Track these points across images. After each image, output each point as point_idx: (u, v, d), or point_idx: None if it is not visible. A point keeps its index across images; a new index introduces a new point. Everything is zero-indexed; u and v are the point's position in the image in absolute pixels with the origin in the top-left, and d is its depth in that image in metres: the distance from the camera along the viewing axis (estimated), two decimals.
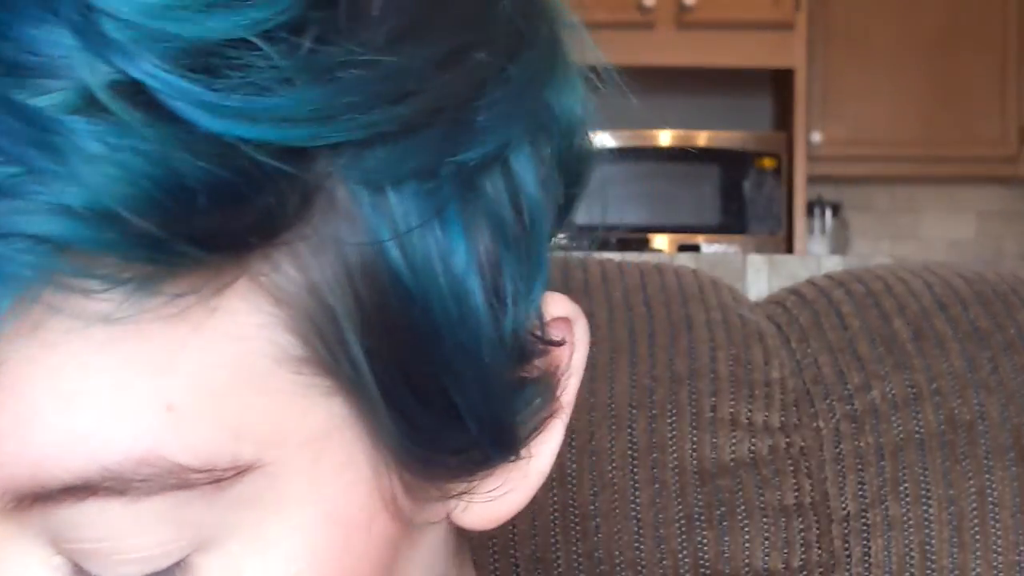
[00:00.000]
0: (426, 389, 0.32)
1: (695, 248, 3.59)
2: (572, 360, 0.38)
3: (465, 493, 0.36)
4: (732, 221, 3.70)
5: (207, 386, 0.29)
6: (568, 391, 0.38)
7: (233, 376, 0.29)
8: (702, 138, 3.72)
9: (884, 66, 3.70)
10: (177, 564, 0.30)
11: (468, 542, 0.42)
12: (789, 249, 3.68)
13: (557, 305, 0.37)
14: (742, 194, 3.69)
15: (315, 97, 0.27)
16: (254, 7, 0.27)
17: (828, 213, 3.91)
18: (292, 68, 0.27)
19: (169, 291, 0.27)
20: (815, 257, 2.27)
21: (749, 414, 0.67)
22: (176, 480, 0.29)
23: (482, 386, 0.33)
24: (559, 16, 0.35)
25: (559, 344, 0.37)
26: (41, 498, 0.29)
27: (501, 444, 0.35)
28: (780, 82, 3.76)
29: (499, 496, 0.37)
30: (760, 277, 2.00)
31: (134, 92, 0.26)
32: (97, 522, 0.29)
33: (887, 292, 0.70)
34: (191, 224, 0.26)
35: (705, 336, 0.68)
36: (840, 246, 3.89)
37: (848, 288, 0.71)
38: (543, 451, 0.38)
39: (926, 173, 3.82)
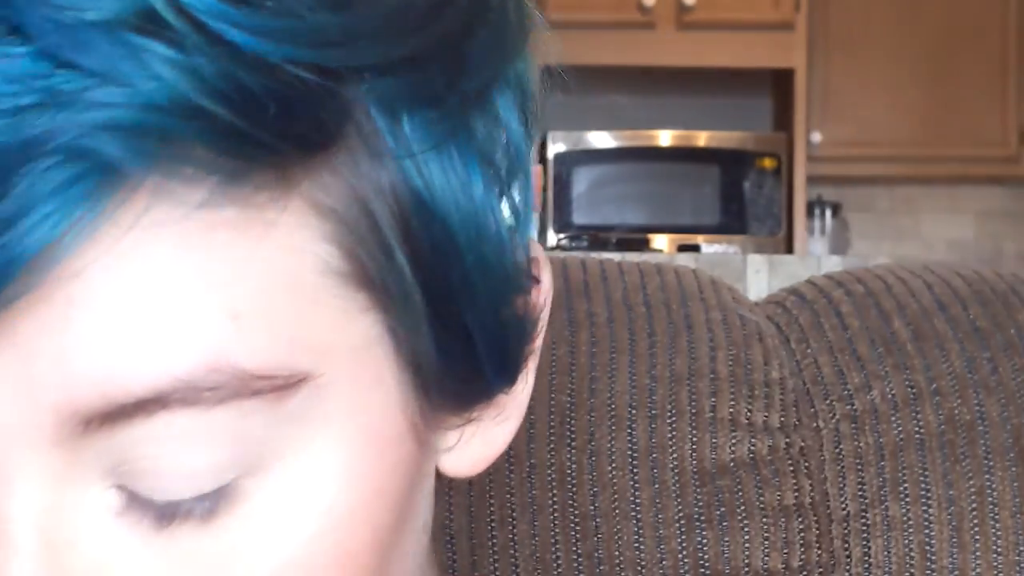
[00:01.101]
0: (443, 312, 0.34)
1: (695, 248, 3.58)
2: (544, 302, 0.39)
3: (468, 424, 0.37)
4: (732, 221, 3.70)
5: (267, 297, 0.30)
6: (541, 335, 0.39)
7: (288, 288, 0.30)
8: (702, 138, 3.72)
9: (884, 66, 3.70)
10: (222, 488, 0.31)
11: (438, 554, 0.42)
12: (789, 249, 3.68)
13: (533, 246, 0.38)
14: (742, 194, 3.69)
15: (341, 22, 0.29)
16: None
17: (828, 213, 3.91)
18: None
19: (245, 190, 0.29)
20: (815, 257, 2.27)
21: (749, 414, 0.67)
22: (242, 389, 0.30)
23: (493, 309, 0.35)
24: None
25: (538, 281, 0.38)
26: (110, 418, 0.29)
27: (504, 370, 0.37)
28: (780, 82, 3.76)
29: (494, 428, 0.38)
30: (760, 277, 2.00)
31: (183, 13, 0.27)
32: (160, 439, 0.29)
33: (887, 292, 0.70)
34: (263, 123, 0.28)
35: (705, 336, 0.68)
36: (840, 246, 3.89)
37: (848, 288, 0.71)
38: (523, 392, 0.39)
39: (926, 173, 3.82)
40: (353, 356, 0.32)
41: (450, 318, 0.34)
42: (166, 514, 0.31)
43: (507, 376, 0.37)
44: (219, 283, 0.29)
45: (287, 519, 0.32)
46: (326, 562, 0.32)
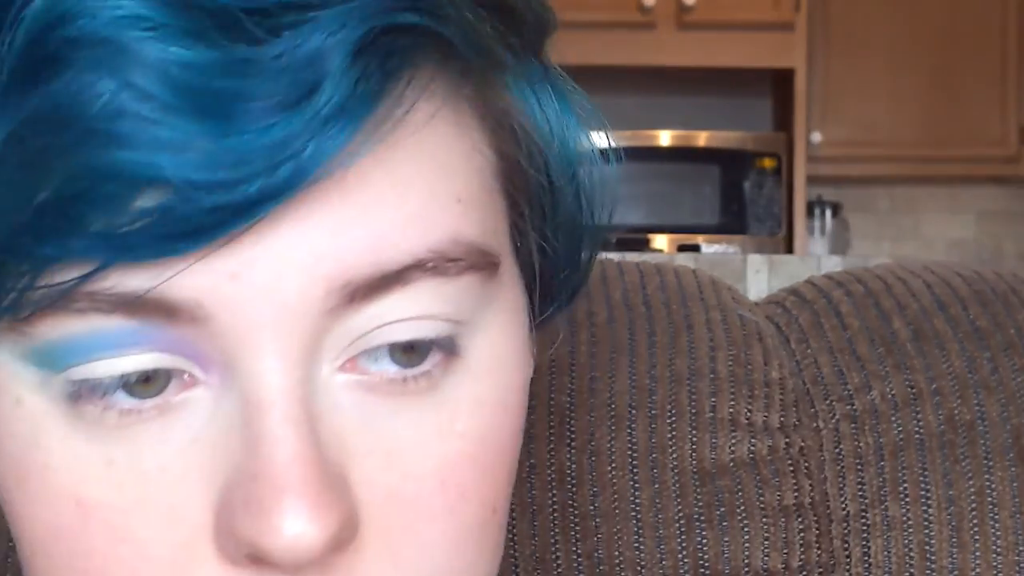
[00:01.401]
0: (541, 224, 0.40)
1: (695, 248, 3.58)
2: None
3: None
4: (732, 221, 3.70)
5: (472, 187, 0.35)
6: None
7: (480, 182, 0.36)
8: (702, 138, 3.72)
9: (884, 66, 3.69)
10: (447, 350, 0.35)
11: None
12: (789, 249, 3.68)
13: None
14: (742, 194, 3.69)
15: None
16: None
17: (828, 213, 3.91)
18: None
19: (463, 92, 0.35)
20: (815, 257, 2.27)
21: (749, 414, 0.67)
22: (474, 262, 0.35)
23: (573, 230, 0.41)
24: None
25: None
26: (373, 288, 0.33)
27: (569, 291, 0.43)
28: (780, 82, 3.76)
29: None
30: (760, 277, 2.00)
31: None
32: (407, 308, 0.34)
33: (887, 292, 0.70)
34: (484, 29, 0.34)
35: (705, 336, 0.68)
36: (840, 246, 3.89)
37: (848, 288, 0.71)
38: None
39: (926, 173, 3.81)
40: (508, 252, 0.38)
41: (543, 230, 0.39)
42: (398, 383, 0.35)
43: (569, 298, 0.43)
44: (447, 172, 0.34)
45: (486, 388, 0.36)
46: (503, 436, 0.37)
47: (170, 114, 0.29)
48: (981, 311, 0.69)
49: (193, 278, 0.31)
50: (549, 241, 0.40)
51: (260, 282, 0.32)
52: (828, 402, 0.68)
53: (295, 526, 0.31)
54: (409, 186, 0.33)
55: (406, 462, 0.35)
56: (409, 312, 0.34)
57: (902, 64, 3.69)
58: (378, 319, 0.34)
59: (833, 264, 2.09)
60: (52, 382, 0.33)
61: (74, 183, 0.30)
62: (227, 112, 0.29)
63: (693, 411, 0.66)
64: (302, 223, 0.32)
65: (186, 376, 0.33)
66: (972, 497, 0.65)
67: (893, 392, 0.67)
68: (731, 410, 0.66)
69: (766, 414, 0.67)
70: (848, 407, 0.67)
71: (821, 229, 3.88)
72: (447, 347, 0.35)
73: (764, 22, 3.53)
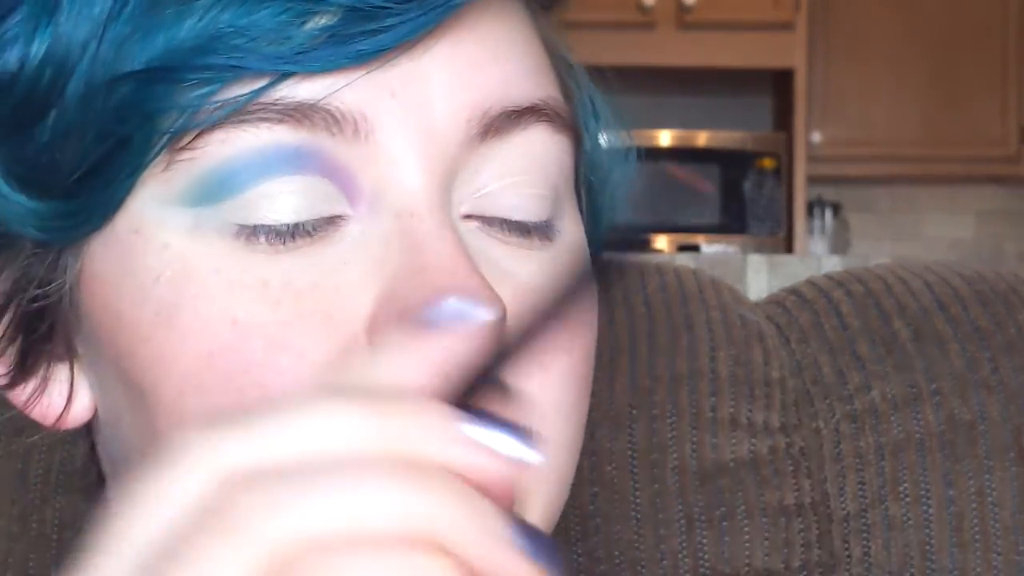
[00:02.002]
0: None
1: (695, 248, 3.58)
2: None
3: None
4: (732, 221, 3.69)
5: (551, 73, 0.41)
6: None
7: (556, 81, 0.42)
8: (702, 138, 3.72)
9: (884, 66, 3.69)
10: (548, 214, 0.40)
11: None
12: (789, 249, 3.68)
13: None
14: (742, 194, 3.69)
15: None
16: None
17: (828, 213, 3.91)
18: None
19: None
20: (815, 257, 2.27)
21: (749, 414, 0.66)
22: (569, 122, 0.40)
23: (602, 176, 0.47)
24: None
25: None
26: (503, 126, 0.38)
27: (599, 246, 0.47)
28: (780, 82, 3.75)
29: None
30: (760, 277, 2.00)
31: None
32: (530, 151, 0.39)
33: (887, 292, 0.70)
34: None
35: (705, 336, 0.68)
36: (840, 246, 3.89)
37: (848, 288, 0.71)
38: None
39: (926, 173, 3.81)
40: None
41: (589, 165, 0.45)
42: (515, 234, 0.39)
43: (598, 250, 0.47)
44: (537, 56, 0.40)
45: (577, 263, 0.40)
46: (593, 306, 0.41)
47: None
48: (982, 311, 0.69)
49: (357, 92, 0.36)
50: (592, 183, 0.45)
51: (415, 100, 0.36)
52: (828, 402, 0.68)
53: (470, 300, 0.34)
54: (518, 48, 0.39)
55: (531, 299, 0.38)
56: (524, 165, 0.39)
57: (902, 64, 3.69)
58: (499, 167, 0.38)
59: (833, 264, 2.09)
60: (207, 218, 0.36)
61: (251, 8, 0.34)
62: None
63: (693, 411, 0.66)
64: (449, 53, 0.37)
65: (334, 214, 0.36)
66: (972, 497, 0.65)
67: (893, 392, 0.67)
68: (731, 410, 0.66)
69: (766, 414, 0.67)
70: (848, 407, 0.67)
71: (821, 229, 3.88)
72: (544, 230, 0.40)
73: (764, 22, 3.53)
